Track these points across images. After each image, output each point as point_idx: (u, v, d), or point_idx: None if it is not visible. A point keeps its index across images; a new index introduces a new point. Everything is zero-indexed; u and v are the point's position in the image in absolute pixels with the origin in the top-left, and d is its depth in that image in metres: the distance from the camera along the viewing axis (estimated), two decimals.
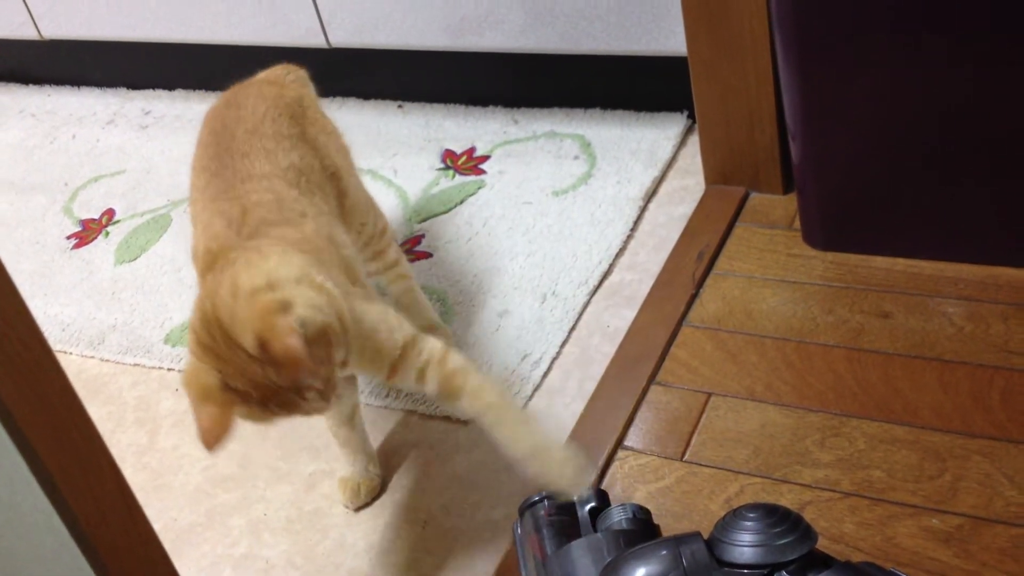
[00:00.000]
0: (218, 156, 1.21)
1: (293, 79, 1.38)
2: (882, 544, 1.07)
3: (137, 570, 0.78)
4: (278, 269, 1.00)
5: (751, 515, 0.98)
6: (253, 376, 0.96)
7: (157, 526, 1.33)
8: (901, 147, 1.32)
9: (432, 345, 1.08)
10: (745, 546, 0.96)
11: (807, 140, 1.38)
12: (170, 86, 2.23)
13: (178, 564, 1.28)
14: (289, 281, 0.99)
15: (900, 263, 1.38)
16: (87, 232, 1.89)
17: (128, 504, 0.77)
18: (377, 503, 1.28)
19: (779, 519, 0.97)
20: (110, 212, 1.92)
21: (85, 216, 1.93)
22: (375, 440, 1.36)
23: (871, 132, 1.33)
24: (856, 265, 1.40)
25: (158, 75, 2.23)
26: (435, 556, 1.20)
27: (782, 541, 0.95)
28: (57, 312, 1.71)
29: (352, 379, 1.26)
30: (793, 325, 1.33)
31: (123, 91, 2.28)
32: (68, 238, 1.88)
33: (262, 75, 1.38)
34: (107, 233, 1.87)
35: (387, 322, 1.08)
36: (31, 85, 2.38)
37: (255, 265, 1.01)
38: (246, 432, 1.42)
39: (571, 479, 1.02)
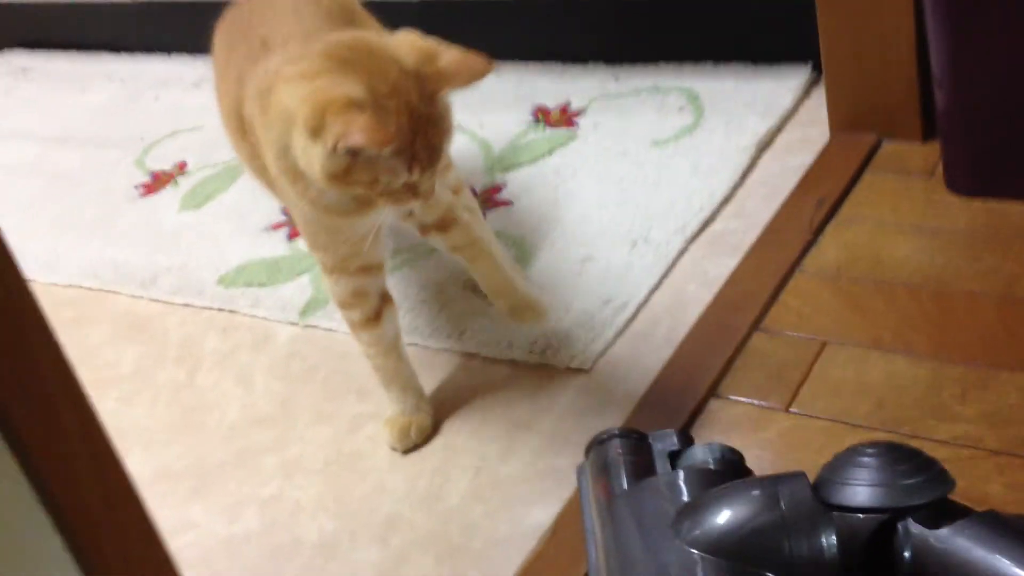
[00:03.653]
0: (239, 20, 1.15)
1: None
2: None
3: (110, 528, 0.61)
4: None
5: (870, 451, 0.78)
6: (406, 91, 0.89)
7: (183, 463, 1.20)
8: None
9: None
10: (861, 485, 0.76)
11: (955, 87, 1.19)
12: None
13: (198, 502, 1.14)
14: None
15: None
16: (156, 182, 1.78)
17: (98, 454, 0.59)
18: (426, 447, 1.11)
19: (905, 456, 0.77)
20: (182, 164, 1.81)
21: (157, 168, 1.82)
22: (430, 384, 1.18)
23: None
24: (1007, 212, 1.18)
25: None
26: (485, 504, 1.02)
27: (908, 481, 0.75)
28: (113, 254, 1.60)
29: (390, 301, 1.10)
30: (931, 273, 1.12)
31: None
32: (136, 187, 1.78)
33: None
34: (176, 183, 1.76)
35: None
36: (122, 52, 2.32)
37: None
38: (292, 371, 1.28)
39: (533, 319, 1.16)
